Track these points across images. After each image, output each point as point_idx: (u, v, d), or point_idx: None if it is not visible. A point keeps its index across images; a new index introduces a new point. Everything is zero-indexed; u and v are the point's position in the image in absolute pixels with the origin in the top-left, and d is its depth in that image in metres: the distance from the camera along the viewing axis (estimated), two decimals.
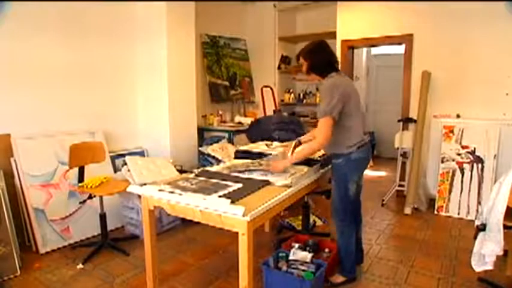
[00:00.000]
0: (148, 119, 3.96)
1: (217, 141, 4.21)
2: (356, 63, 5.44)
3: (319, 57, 2.26)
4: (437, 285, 2.38)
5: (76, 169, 2.90)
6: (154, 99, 3.87)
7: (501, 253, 1.98)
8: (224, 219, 1.73)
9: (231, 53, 5.27)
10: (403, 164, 4.22)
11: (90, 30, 3.46)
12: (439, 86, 3.97)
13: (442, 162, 3.74)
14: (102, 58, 3.59)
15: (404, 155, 4.18)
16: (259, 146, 3.02)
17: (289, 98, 5.62)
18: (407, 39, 4.13)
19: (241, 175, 2.26)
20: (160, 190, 1.97)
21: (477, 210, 3.52)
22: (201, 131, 4.51)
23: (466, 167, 3.62)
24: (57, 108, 3.26)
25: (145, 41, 3.83)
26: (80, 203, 3.01)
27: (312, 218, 3.39)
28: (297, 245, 2.43)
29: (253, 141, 3.48)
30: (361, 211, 2.60)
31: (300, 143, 2.55)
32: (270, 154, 2.64)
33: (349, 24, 4.56)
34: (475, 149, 3.59)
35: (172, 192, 1.92)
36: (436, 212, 3.74)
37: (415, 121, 4.05)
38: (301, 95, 5.65)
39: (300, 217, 3.20)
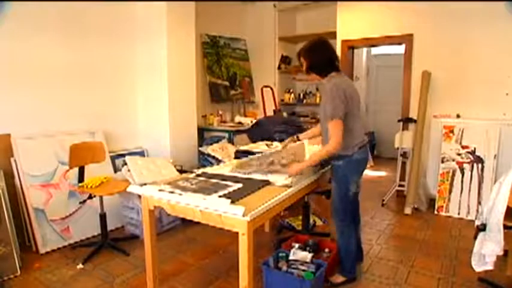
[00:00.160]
0: (149, 119, 3.96)
1: (217, 141, 4.21)
2: (356, 63, 5.44)
3: (319, 56, 2.24)
4: (437, 285, 2.38)
5: (76, 169, 2.90)
6: (155, 99, 3.87)
7: (501, 253, 1.98)
8: (224, 219, 1.73)
9: (231, 53, 5.27)
10: (403, 164, 4.22)
11: (90, 30, 3.46)
12: (439, 86, 3.97)
13: (442, 162, 3.74)
14: (102, 58, 3.59)
15: (404, 155, 4.18)
16: (260, 146, 3.02)
17: (289, 98, 5.62)
18: (407, 39, 4.13)
19: (241, 175, 2.26)
20: (160, 190, 1.97)
21: (477, 210, 3.52)
22: (201, 131, 4.51)
23: (466, 167, 3.62)
24: (57, 108, 3.26)
25: (145, 41, 3.84)
26: (80, 203, 3.01)
27: (312, 218, 3.39)
28: (297, 245, 2.43)
29: (254, 141, 3.49)
30: (359, 211, 2.60)
31: (298, 139, 2.56)
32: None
33: (349, 24, 4.56)
34: (475, 149, 3.59)
35: (172, 192, 1.92)
36: (436, 212, 3.74)
37: (415, 121, 4.05)
38: (301, 95, 5.65)
39: (300, 217, 3.20)
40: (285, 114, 5.42)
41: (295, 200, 2.20)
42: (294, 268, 2.16)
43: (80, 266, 2.66)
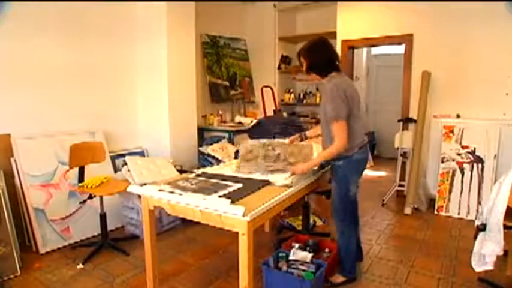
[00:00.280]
0: (149, 119, 3.96)
1: (217, 141, 4.21)
2: (356, 63, 5.44)
3: (319, 55, 2.23)
4: (437, 285, 2.38)
5: (76, 169, 2.90)
6: (155, 99, 3.87)
7: (501, 253, 1.98)
8: (224, 219, 1.74)
9: (231, 53, 5.27)
10: (403, 164, 4.22)
11: (90, 30, 3.46)
12: (439, 86, 3.97)
13: (442, 162, 3.74)
14: (102, 58, 3.59)
15: (404, 155, 4.18)
16: None
17: (289, 98, 5.62)
18: (407, 39, 4.13)
19: (241, 175, 2.26)
20: (160, 190, 1.97)
21: (477, 210, 3.52)
22: (201, 131, 4.51)
23: (466, 167, 3.62)
24: (57, 108, 3.26)
25: (145, 41, 3.83)
26: (80, 203, 3.01)
27: (312, 218, 3.39)
28: (297, 245, 2.43)
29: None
30: (358, 211, 2.59)
31: (305, 137, 2.57)
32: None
33: (349, 24, 4.56)
34: (475, 149, 3.59)
35: (172, 192, 1.92)
36: (436, 212, 3.74)
37: (415, 121, 4.05)
38: (301, 95, 5.64)
39: (300, 217, 3.20)
40: (285, 114, 5.42)
41: (295, 200, 2.20)
42: (294, 268, 2.16)
43: (80, 266, 2.66)
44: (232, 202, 1.72)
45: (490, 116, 3.66)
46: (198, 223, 2.00)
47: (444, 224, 3.47)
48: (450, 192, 3.69)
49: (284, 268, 2.19)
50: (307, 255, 2.28)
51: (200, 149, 4.03)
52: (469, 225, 3.36)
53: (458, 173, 3.66)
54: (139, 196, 2.25)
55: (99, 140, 3.34)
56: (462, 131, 3.67)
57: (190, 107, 4.04)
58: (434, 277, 2.48)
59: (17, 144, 2.90)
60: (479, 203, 3.54)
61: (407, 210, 3.74)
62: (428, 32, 3.99)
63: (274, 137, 3.43)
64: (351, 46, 4.66)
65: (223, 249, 2.93)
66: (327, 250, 2.52)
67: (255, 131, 3.78)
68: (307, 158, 2.38)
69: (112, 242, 2.97)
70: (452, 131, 3.72)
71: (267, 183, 2.10)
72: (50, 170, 3.04)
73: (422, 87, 3.94)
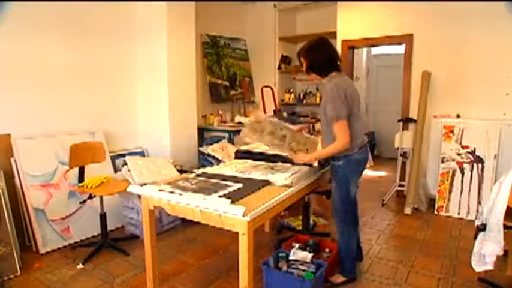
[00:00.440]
0: (149, 119, 3.96)
1: (217, 141, 4.21)
2: (356, 63, 5.44)
3: (319, 55, 2.23)
4: (437, 285, 2.38)
5: (76, 169, 2.90)
6: (155, 99, 3.87)
7: (501, 253, 1.98)
8: (224, 219, 1.73)
9: (231, 53, 5.26)
10: (403, 164, 4.22)
11: (90, 30, 3.46)
12: (439, 86, 3.97)
13: (442, 162, 3.74)
14: (102, 58, 3.59)
15: (404, 155, 4.18)
16: (260, 146, 3.01)
17: (289, 98, 5.61)
18: (407, 39, 4.13)
19: (241, 175, 2.26)
20: (160, 190, 1.97)
21: (477, 210, 3.52)
22: (201, 131, 4.51)
23: (466, 167, 3.62)
24: (57, 108, 3.26)
25: (145, 41, 3.84)
26: (80, 203, 3.01)
27: (312, 218, 3.39)
28: (297, 245, 2.43)
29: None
30: (358, 211, 2.59)
31: (313, 129, 2.56)
32: (272, 155, 2.63)
33: (349, 24, 4.56)
34: (475, 149, 3.59)
35: (172, 192, 1.92)
36: (436, 212, 3.74)
37: (415, 121, 4.05)
38: (301, 95, 5.64)
39: (300, 217, 3.20)
40: (285, 114, 5.42)
41: (295, 200, 2.20)
42: (294, 268, 2.17)
43: (80, 266, 2.66)
44: (233, 202, 1.72)
45: (490, 116, 3.66)
46: (198, 223, 2.00)
47: (444, 224, 3.47)
48: (450, 192, 3.69)
49: (284, 268, 2.19)
50: (307, 255, 2.28)
51: (200, 149, 4.03)
52: (469, 225, 3.36)
53: (458, 173, 3.66)
54: (139, 196, 2.25)
55: (99, 140, 3.34)
56: (462, 131, 3.67)
57: (191, 107, 4.04)
58: (434, 277, 2.48)
59: (17, 144, 2.91)
60: (479, 203, 3.54)
61: (408, 210, 3.74)
62: (428, 32, 3.99)
63: None
64: (351, 46, 4.66)
65: (223, 249, 2.93)
66: (327, 250, 2.53)
67: None
68: (310, 150, 2.39)
69: (112, 242, 2.97)
70: (452, 131, 3.72)
71: (267, 183, 2.10)
72: (50, 170, 3.04)
73: (423, 87, 3.94)
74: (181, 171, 3.13)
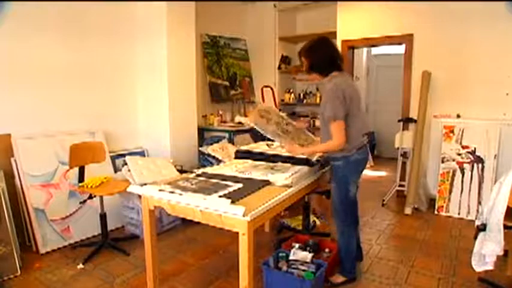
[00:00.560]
0: (149, 119, 3.96)
1: (217, 141, 4.21)
2: (356, 63, 5.44)
3: (320, 55, 2.23)
4: (437, 285, 2.38)
5: (76, 169, 2.90)
6: (155, 99, 3.87)
7: (501, 253, 1.98)
8: (224, 219, 1.74)
9: (231, 53, 5.26)
10: (404, 164, 4.22)
11: (90, 30, 3.46)
12: (439, 86, 3.97)
13: (443, 162, 3.74)
14: (102, 58, 3.59)
15: (404, 155, 4.18)
16: (260, 146, 3.01)
17: (289, 98, 5.62)
18: (407, 39, 4.13)
19: (241, 175, 2.26)
20: (160, 190, 1.97)
21: (477, 210, 3.52)
22: (201, 131, 4.51)
23: (467, 167, 3.62)
24: (57, 108, 3.26)
25: (145, 41, 3.84)
26: (80, 203, 3.01)
27: (312, 218, 3.39)
28: (297, 245, 2.43)
29: (256, 141, 3.49)
30: (358, 211, 2.59)
31: (313, 125, 2.59)
32: (272, 155, 2.63)
33: (349, 24, 4.56)
34: (475, 149, 3.59)
35: (172, 192, 1.92)
36: (436, 212, 3.74)
37: (415, 121, 4.05)
38: (302, 95, 5.64)
39: (299, 217, 3.20)
40: (284, 114, 5.42)
41: (295, 200, 2.20)
42: (294, 268, 2.17)
43: (80, 266, 2.66)
44: (233, 202, 1.72)
45: (490, 116, 3.66)
46: (198, 223, 2.00)
47: (444, 224, 3.47)
48: (450, 192, 3.69)
49: (284, 268, 2.19)
50: (307, 255, 2.28)
51: (200, 149, 4.03)
52: (469, 225, 3.36)
53: (458, 173, 3.66)
54: (140, 196, 2.25)
55: (99, 140, 3.34)
56: (462, 131, 3.67)
57: (191, 107, 4.04)
58: (434, 277, 2.48)
59: (17, 144, 2.91)
60: (479, 203, 3.54)
61: (408, 210, 3.74)
62: (428, 32, 3.99)
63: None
64: (351, 46, 4.66)
65: (223, 249, 2.93)
66: (327, 250, 2.53)
67: (257, 131, 3.77)
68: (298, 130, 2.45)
69: (112, 242, 2.97)
70: (452, 131, 3.72)
71: (267, 183, 2.10)
72: (50, 170, 3.04)
73: (423, 87, 3.93)
74: (181, 171, 3.13)
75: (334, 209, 2.36)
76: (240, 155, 2.78)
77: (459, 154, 3.66)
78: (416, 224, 3.49)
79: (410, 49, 4.12)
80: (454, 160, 3.68)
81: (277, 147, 2.86)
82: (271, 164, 2.49)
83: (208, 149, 3.79)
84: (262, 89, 5.34)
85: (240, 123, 4.72)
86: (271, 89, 5.27)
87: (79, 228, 3.10)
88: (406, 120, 4.15)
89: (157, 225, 3.07)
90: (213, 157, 3.72)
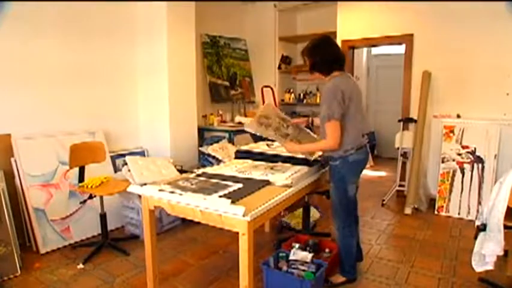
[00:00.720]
0: (149, 119, 3.96)
1: (217, 141, 4.20)
2: (356, 63, 5.44)
3: (321, 54, 2.23)
4: (437, 285, 2.38)
5: (76, 169, 2.90)
6: (155, 99, 3.87)
7: (501, 253, 1.98)
8: (224, 219, 1.73)
9: (231, 53, 5.26)
10: (404, 164, 4.22)
11: (90, 31, 3.46)
12: (439, 86, 3.97)
13: (443, 162, 3.74)
14: (102, 58, 3.59)
15: (404, 155, 4.18)
16: (260, 146, 3.02)
17: (289, 98, 5.62)
18: (407, 39, 4.13)
19: (241, 175, 2.26)
20: (160, 190, 1.97)
21: (477, 210, 3.52)
22: (201, 131, 4.51)
23: (467, 167, 3.62)
24: (57, 108, 3.26)
25: (145, 41, 3.83)
26: (81, 203, 3.01)
27: (312, 211, 3.37)
28: (297, 245, 2.43)
29: (256, 141, 3.49)
30: (357, 211, 2.59)
31: (312, 123, 2.63)
32: (272, 155, 2.63)
33: (349, 24, 4.56)
34: (475, 149, 3.59)
35: (172, 192, 1.92)
36: (436, 212, 3.74)
37: (415, 121, 4.05)
38: (302, 95, 5.64)
39: (296, 213, 3.19)
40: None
41: (295, 200, 2.20)
42: (294, 268, 2.17)
43: (80, 266, 2.66)
44: (233, 202, 1.72)
45: (490, 116, 3.66)
46: (198, 223, 2.01)
47: (444, 224, 3.47)
48: (450, 192, 3.69)
49: (284, 268, 2.19)
50: (307, 255, 2.28)
51: (200, 149, 4.03)
52: (469, 225, 3.36)
53: (458, 173, 3.66)
54: (140, 196, 2.25)
55: (99, 140, 3.34)
56: (462, 131, 3.67)
57: (191, 107, 4.04)
58: (434, 277, 2.48)
59: (17, 145, 2.91)
60: (479, 203, 3.54)
61: (408, 210, 3.74)
62: (428, 32, 3.99)
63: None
64: (351, 46, 4.66)
65: (223, 249, 2.93)
66: (327, 250, 2.53)
67: None
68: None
69: (112, 242, 2.97)
70: (452, 131, 3.72)
71: (267, 183, 2.10)
72: (50, 170, 3.04)
73: (423, 87, 3.93)
74: (181, 171, 3.12)
75: (333, 209, 2.36)
76: (240, 155, 2.79)
77: (459, 154, 3.66)
78: (416, 224, 3.49)
79: (411, 49, 4.12)
80: (454, 160, 3.68)
81: (277, 147, 2.87)
82: (271, 164, 2.49)
83: (209, 149, 3.79)
84: (262, 89, 5.34)
85: (240, 123, 4.73)
86: (271, 89, 5.27)
87: (79, 228, 3.10)
88: (406, 120, 4.15)
89: (157, 225, 3.07)
90: (213, 157, 3.72)
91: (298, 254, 2.31)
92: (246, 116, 5.15)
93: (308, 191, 2.42)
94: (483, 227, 2.05)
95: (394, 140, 4.20)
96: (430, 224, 3.49)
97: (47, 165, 3.03)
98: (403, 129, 4.15)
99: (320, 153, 2.48)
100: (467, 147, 3.63)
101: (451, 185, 3.68)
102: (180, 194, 1.88)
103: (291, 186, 2.05)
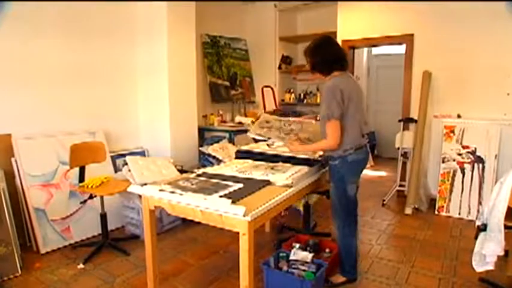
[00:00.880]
0: (149, 119, 3.96)
1: (217, 141, 4.21)
2: (357, 63, 5.45)
3: (321, 54, 2.23)
4: (438, 286, 2.38)
5: (77, 169, 2.90)
6: (155, 99, 3.87)
7: (502, 253, 1.98)
8: (225, 219, 1.73)
9: (231, 53, 5.27)
10: (404, 164, 4.22)
11: (91, 31, 3.46)
12: (439, 86, 3.97)
13: (443, 162, 3.74)
14: (102, 58, 3.59)
15: (405, 155, 4.18)
16: (261, 146, 3.02)
17: (289, 98, 5.61)
18: (407, 39, 4.13)
19: (241, 175, 2.26)
20: (161, 190, 1.97)
21: (478, 211, 3.51)
22: (201, 131, 4.51)
23: (467, 167, 3.62)
24: (57, 108, 3.26)
25: (145, 41, 3.84)
26: (81, 203, 3.01)
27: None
28: (297, 245, 2.43)
29: (256, 141, 3.48)
30: (357, 211, 2.59)
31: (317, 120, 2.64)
32: (272, 155, 2.63)
33: (349, 24, 4.56)
34: (475, 149, 3.58)
35: (173, 192, 1.92)
36: (436, 212, 3.73)
37: (415, 121, 4.04)
38: (302, 95, 5.64)
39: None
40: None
41: (296, 200, 2.20)
42: (294, 268, 2.17)
43: (81, 265, 2.67)
44: (233, 202, 1.72)
45: (491, 116, 3.65)
46: (198, 223, 2.01)
47: (445, 224, 3.47)
48: (451, 192, 3.69)
49: (285, 268, 2.19)
50: (307, 255, 2.28)
51: (201, 149, 4.03)
52: (470, 225, 3.36)
53: (458, 173, 3.66)
54: (140, 196, 2.25)
55: (99, 140, 3.34)
56: (463, 131, 3.67)
57: (191, 107, 4.04)
58: (435, 277, 2.48)
59: (17, 144, 2.91)
60: (479, 203, 3.53)
61: (408, 210, 3.74)
62: (428, 32, 3.99)
63: None
64: (351, 46, 4.66)
65: (223, 249, 2.93)
66: (327, 250, 2.53)
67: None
68: (313, 138, 2.46)
69: (112, 242, 2.97)
70: (453, 131, 3.72)
71: (267, 183, 2.10)
72: (51, 170, 3.04)
73: (423, 87, 3.93)
74: (181, 171, 3.12)
75: (333, 209, 2.36)
76: (241, 155, 2.79)
77: (459, 154, 3.66)
78: (416, 224, 3.48)
79: (411, 49, 4.12)
80: (454, 160, 3.68)
81: (277, 147, 2.87)
82: (272, 164, 2.49)
83: (209, 149, 3.79)
84: (262, 89, 5.34)
85: (240, 123, 4.73)
86: (272, 89, 5.27)
87: (79, 228, 3.10)
88: (407, 120, 4.14)
89: (158, 225, 3.07)
90: (214, 157, 3.72)
91: (298, 254, 2.31)
92: (246, 116, 5.15)
93: (308, 191, 2.42)
94: (483, 227, 2.05)
95: (394, 140, 4.20)
96: (431, 224, 3.48)
97: (47, 165, 3.04)
98: (404, 129, 4.14)
99: (321, 152, 2.48)
100: (467, 147, 3.63)
101: (452, 185, 3.68)
102: (181, 194, 1.88)
103: (291, 186, 2.05)
